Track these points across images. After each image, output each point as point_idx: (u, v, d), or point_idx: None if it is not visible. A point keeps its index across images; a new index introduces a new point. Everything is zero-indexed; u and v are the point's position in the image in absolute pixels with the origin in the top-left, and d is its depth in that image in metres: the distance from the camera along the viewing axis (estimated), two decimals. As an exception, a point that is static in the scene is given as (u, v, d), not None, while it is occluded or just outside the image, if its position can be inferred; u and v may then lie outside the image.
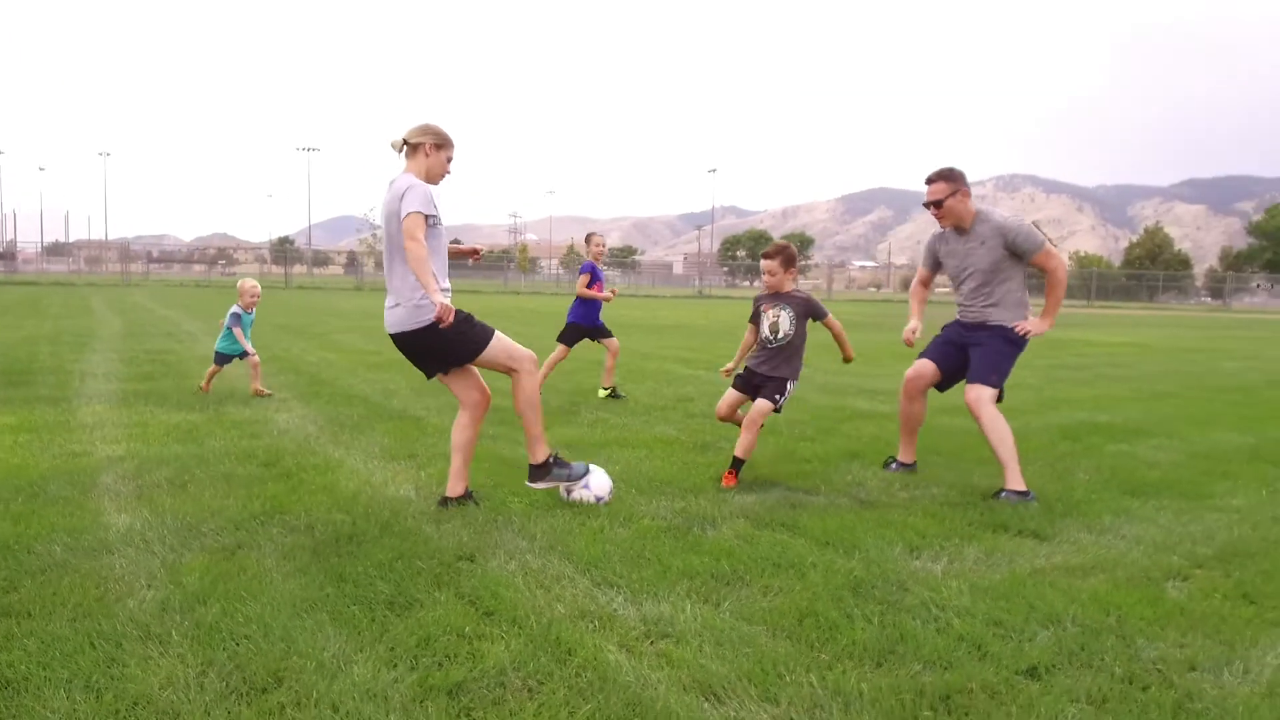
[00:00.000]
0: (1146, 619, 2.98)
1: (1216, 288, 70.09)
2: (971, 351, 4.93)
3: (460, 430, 4.23)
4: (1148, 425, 7.02)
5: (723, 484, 4.66)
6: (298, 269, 49.07)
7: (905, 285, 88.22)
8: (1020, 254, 4.82)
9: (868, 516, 4.17)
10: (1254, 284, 67.97)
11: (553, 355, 7.80)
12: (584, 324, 8.03)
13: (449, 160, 4.17)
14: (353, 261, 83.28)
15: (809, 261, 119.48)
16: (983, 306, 4.93)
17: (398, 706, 2.29)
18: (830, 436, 6.26)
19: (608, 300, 8.06)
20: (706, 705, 2.35)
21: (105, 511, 3.98)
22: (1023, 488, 4.55)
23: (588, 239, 8.31)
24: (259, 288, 7.92)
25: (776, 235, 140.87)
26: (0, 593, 2.99)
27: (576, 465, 4.34)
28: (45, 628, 2.70)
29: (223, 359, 7.64)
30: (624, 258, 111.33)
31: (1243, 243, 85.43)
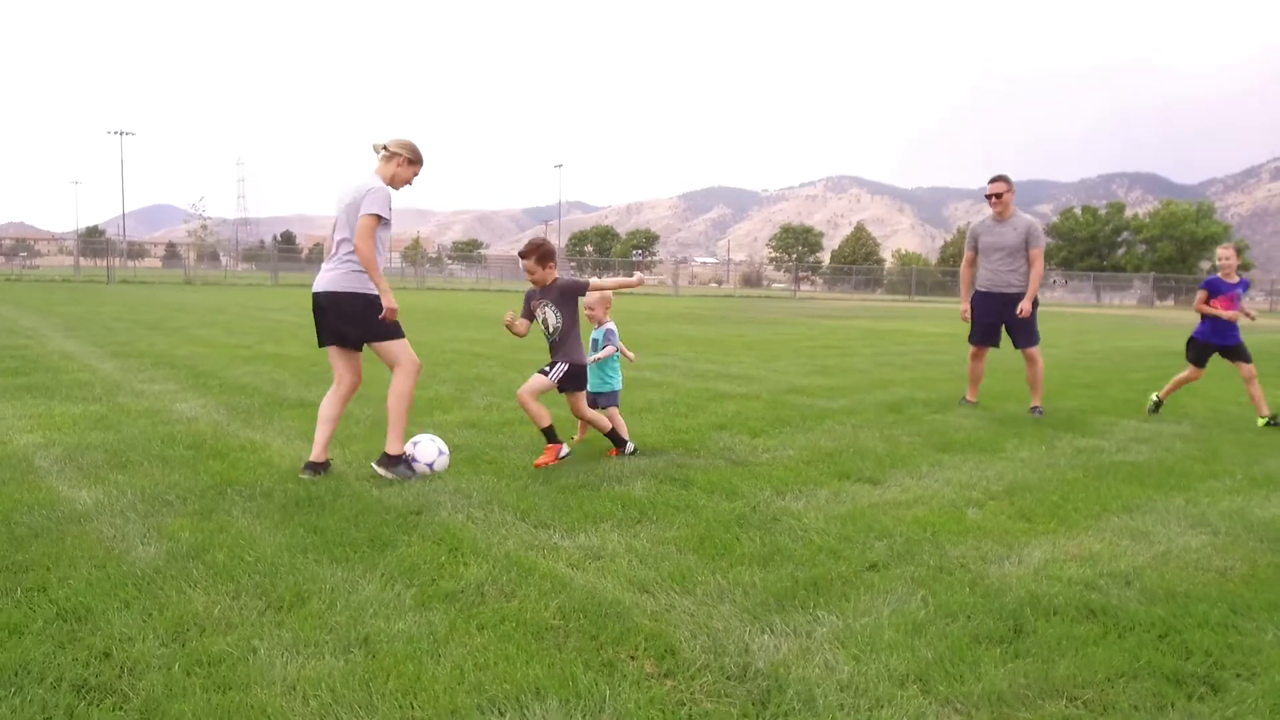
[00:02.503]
0: (953, 532, 3.99)
1: (1019, 283, 77.16)
2: (1010, 326, 7.63)
3: (329, 405, 4.80)
4: (955, 400, 8.34)
5: (538, 463, 5.00)
6: (106, 262, 45.70)
7: (746, 281, 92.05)
8: (1031, 243, 7.49)
9: (741, 471, 5.06)
10: (1051, 280, 75.35)
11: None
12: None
13: (415, 175, 4.78)
14: (173, 253, 78.13)
15: (654, 258, 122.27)
16: (1006, 273, 7.55)
17: (410, 608, 2.94)
18: (699, 413, 7.15)
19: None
20: (644, 596, 3.12)
21: (61, 488, 4.31)
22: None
23: None
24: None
25: (622, 231, 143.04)
26: (12, 550, 3.38)
27: (418, 468, 4.72)
28: (76, 573, 3.15)
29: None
30: (469, 251, 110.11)
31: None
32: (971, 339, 7.89)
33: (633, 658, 2.63)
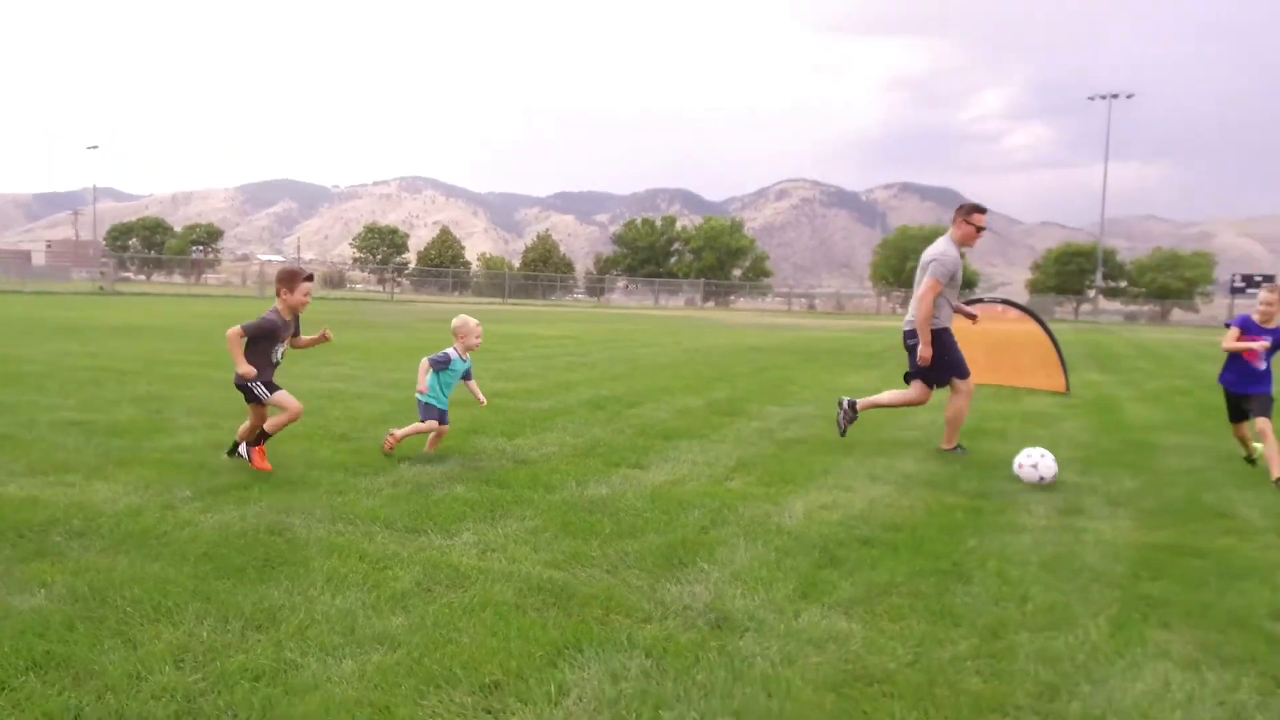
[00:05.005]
0: (731, 498, 5.12)
1: (593, 287, 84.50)
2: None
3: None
4: (636, 396, 9.69)
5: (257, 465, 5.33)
6: None
7: (328, 282, 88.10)
8: None
9: (533, 468, 5.73)
10: (622, 284, 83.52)
11: None
12: None
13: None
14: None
15: (217, 255, 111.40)
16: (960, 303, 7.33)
17: (385, 609, 3.26)
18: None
19: None
20: (564, 573, 3.75)
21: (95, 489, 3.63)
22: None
23: None
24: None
25: (172, 222, 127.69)
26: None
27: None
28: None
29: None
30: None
31: (608, 249, 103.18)
32: (966, 371, 6.91)
33: (609, 613, 3.30)
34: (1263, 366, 6.34)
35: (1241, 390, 6.44)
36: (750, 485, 5.55)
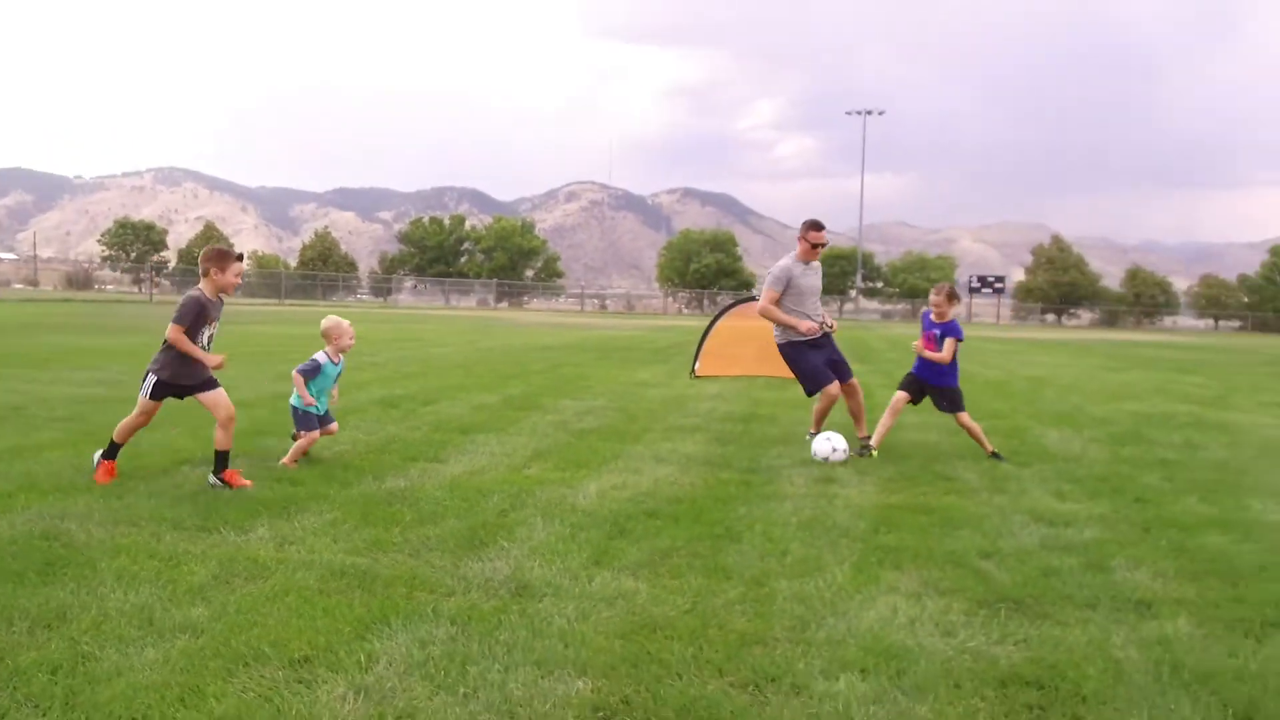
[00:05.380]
0: (529, 484, 5.38)
1: (379, 287, 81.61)
2: (838, 362, 7.26)
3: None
4: (430, 394, 9.71)
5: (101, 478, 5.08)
6: None
7: (71, 283, 79.33)
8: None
9: (326, 465, 5.72)
10: (410, 284, 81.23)
11: None
12: None
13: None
14: None
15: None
16: (818, 315, 7.27)
17: (183, 601, 3.27)
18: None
19: None
20: (366, 559, 3.87)
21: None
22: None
23: None
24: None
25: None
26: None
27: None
28: None
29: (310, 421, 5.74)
30: None
31: (393, 247, 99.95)
32: (823, 380, 7.09)
33: (413, 591, 3.48)
34: (945, 357, 6.83)
35: (922, 377, 7.03)
36: (546, 471, 5.84)
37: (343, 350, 6.00)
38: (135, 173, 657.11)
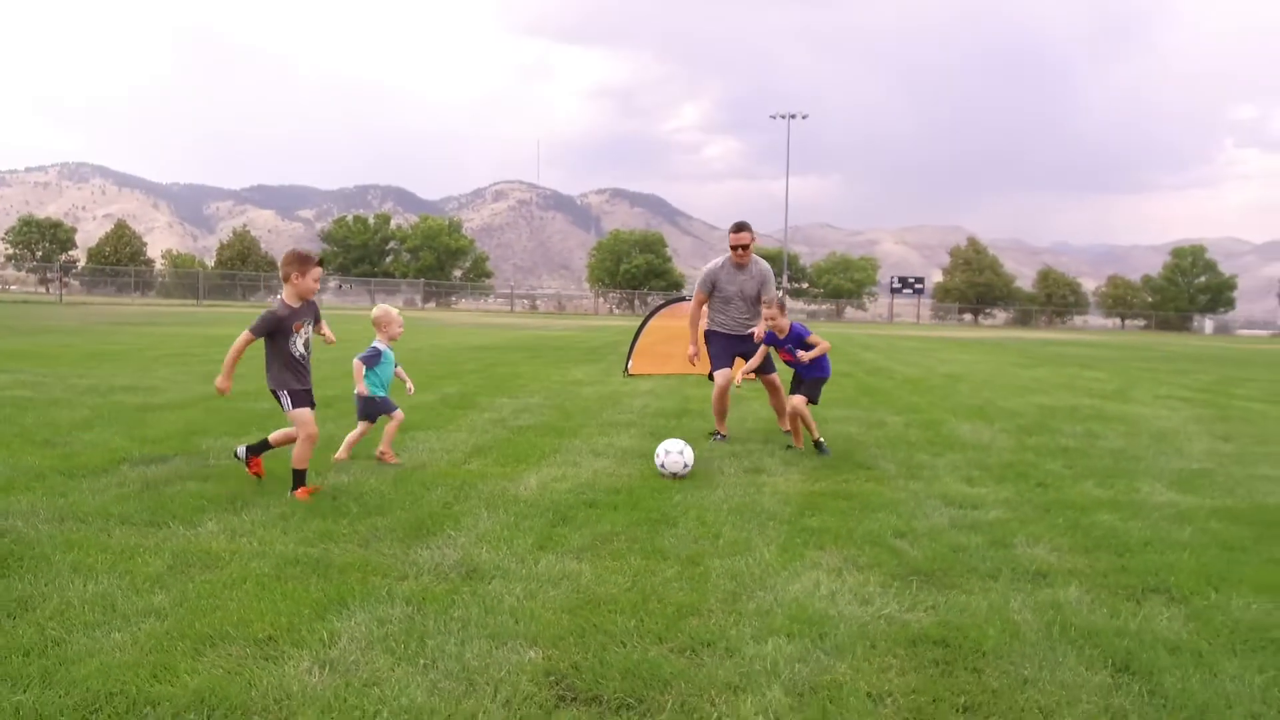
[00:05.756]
0: (472, 477, 5.56)
1: (302, 287, 79.70)
2: (746, 353, 7.36)
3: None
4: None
5: None
6: None
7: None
8: (764, 292, 7.43)
9: (269, 463, 5.79)
10: (334, 284, 79.63)
11: None
12: None
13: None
14: None
15: None
16: (746, 319, 7.47)
17: (143, 589, 3.38)
18: (147, 425, 7.26)
19: None
20: (317, 549, 4.01)
21: None
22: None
23: None
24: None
25: None
26: None
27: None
28: None
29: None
30: None
31: (315, 246, 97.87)
32: (717, 367, 7.49)
33: (367, 576, 3.64)
34: (826, 345, 6.94)
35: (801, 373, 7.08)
36: (487, 466, 6.03)
37: (393, 338, 6.18)
38: (39, 168, 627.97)
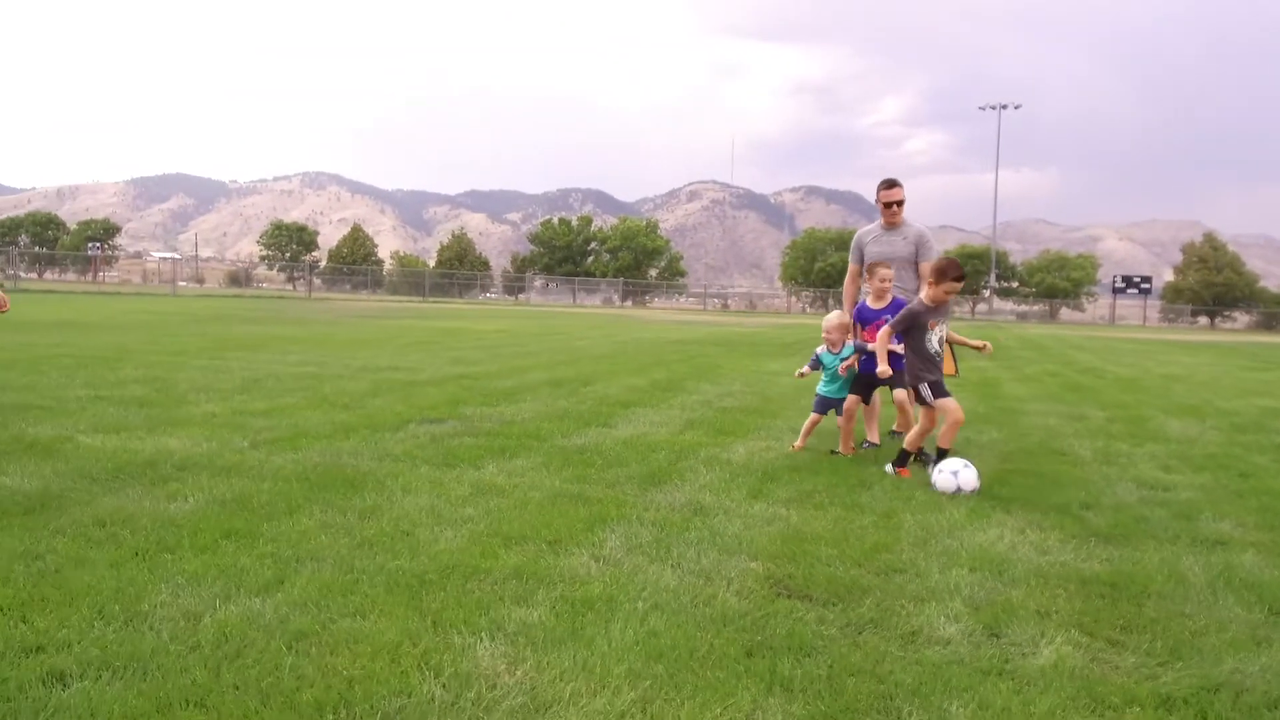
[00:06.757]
0: (687, 445, 6.40)
1: (511, 286, 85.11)
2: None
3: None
4: (586, 378, 10.89)
5: None
6: None
7: (234, 280, 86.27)
8: (922, 255, 6.78)
9: (523, 426, 6.92)
10: (540, 283, 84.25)
11: None
12: None
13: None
14: None
15: (116, 252, 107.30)
16: (897, 288, 6.68)
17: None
18: (470, 400, 8.66)
19: None
20: (570, 486, 4.97)
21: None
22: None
23: None
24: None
25: (61, 217, 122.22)
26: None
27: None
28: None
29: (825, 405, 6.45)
30: None
31: (521, 247, 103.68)
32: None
33: (619, 508, 4.55)
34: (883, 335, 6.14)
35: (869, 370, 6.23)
36: (700, 437, 6.87)
37: (833, 344, 6.38)
38: (284, 177, 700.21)
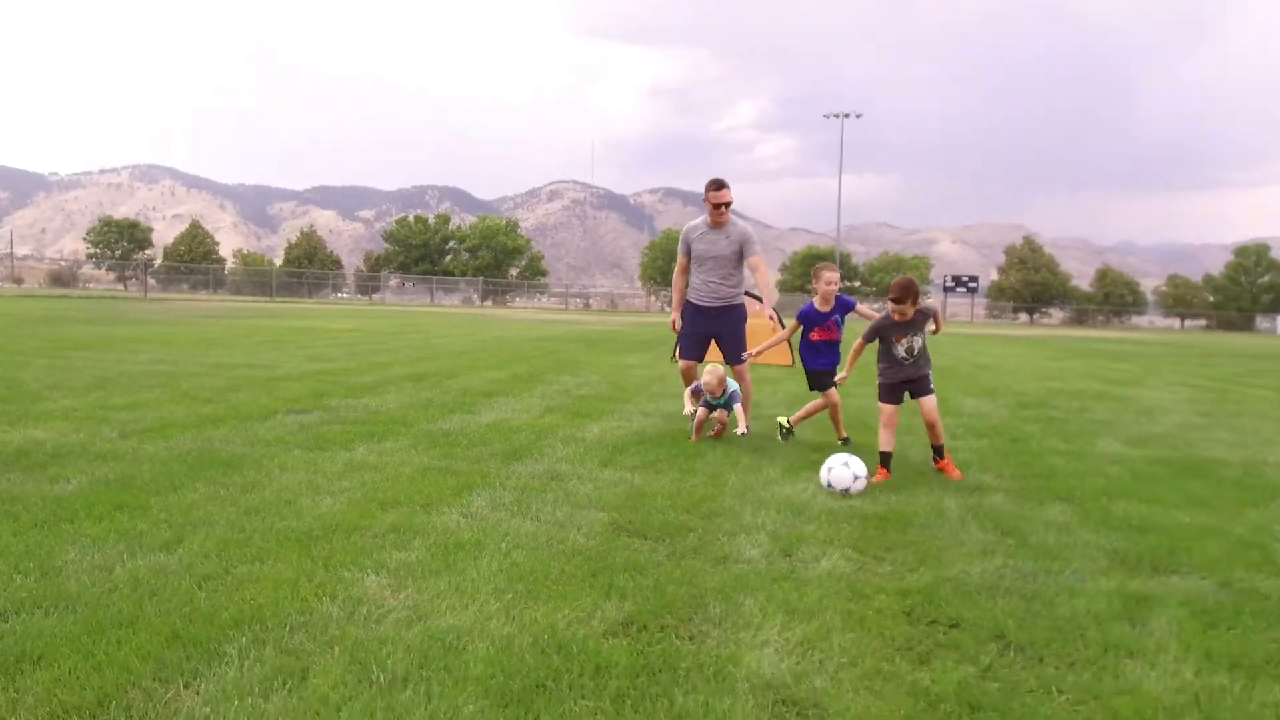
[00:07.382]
0: (547, 427, 7.02)
1: (364, 285, 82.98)
2: (721, 340, 7.06)
3: None
4: (447, 372, 11.31)
5: None
6: None
7: (57, 280, 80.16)
8: (747, 251, 6.84)
9: (387, 414, 7.34)
10: (395, 282, 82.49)
11: None
12: None
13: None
14: None
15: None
16: (719, 284, 6.93)
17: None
18: (265, 394, 8.88)
19: None
20: (437, 461, 5.50)
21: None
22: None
23: None
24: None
25: None
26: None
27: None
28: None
29: None
30: None
31: (375, 246, 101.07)
32: (683, 354, 7.24)
33: (483, 478, 5.12)
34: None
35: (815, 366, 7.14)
36: (558, 420, 7.50)
37: (713, 394, 6.67)
38: (112, 169, 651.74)
